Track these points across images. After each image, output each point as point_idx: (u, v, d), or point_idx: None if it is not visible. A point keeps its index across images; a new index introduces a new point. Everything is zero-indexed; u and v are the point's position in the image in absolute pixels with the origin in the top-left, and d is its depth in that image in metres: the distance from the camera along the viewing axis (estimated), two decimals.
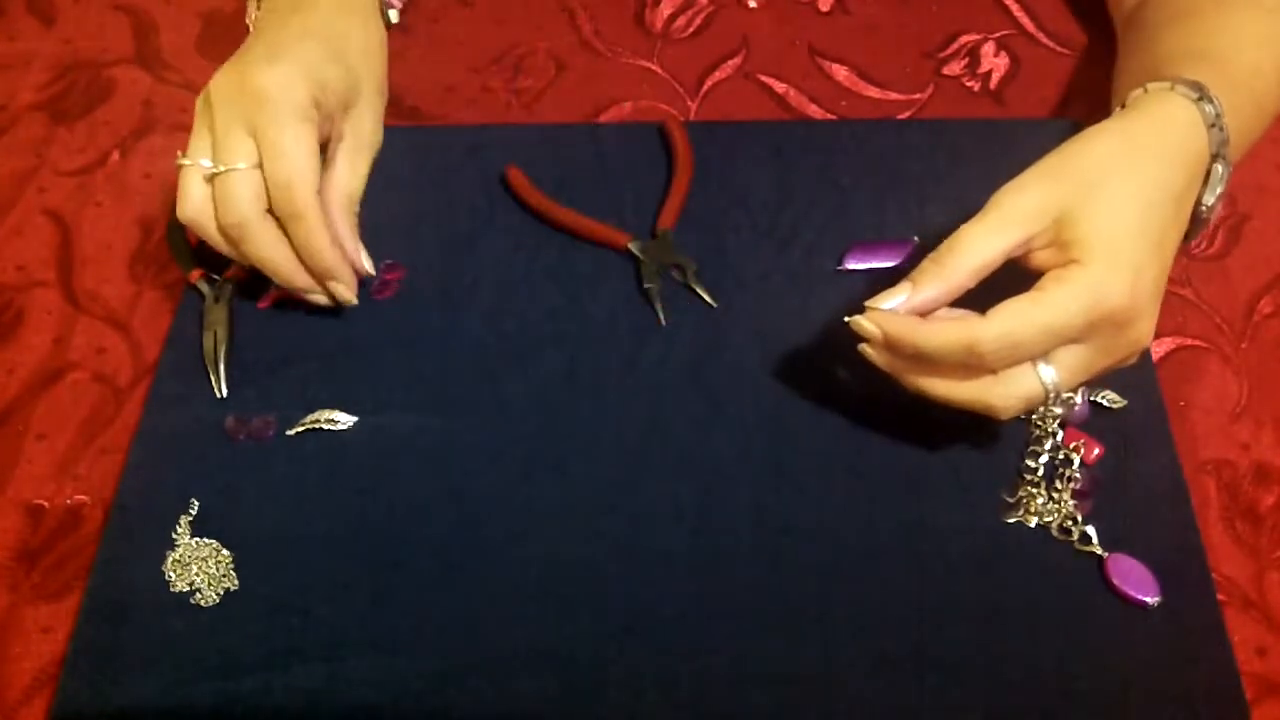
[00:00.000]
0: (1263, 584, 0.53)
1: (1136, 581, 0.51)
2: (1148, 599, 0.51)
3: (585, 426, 0.58)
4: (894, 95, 0.73)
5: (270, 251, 0.57)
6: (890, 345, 0.49)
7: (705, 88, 0.74)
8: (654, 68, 0.76)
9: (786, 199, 0.66)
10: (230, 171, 0.55)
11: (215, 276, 0.64)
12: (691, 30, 0.78)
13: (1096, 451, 0.55)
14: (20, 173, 0.72)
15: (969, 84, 0.74)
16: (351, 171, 0.60)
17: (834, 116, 0.72)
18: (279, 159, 0.55)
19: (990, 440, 0.55)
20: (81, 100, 0.76)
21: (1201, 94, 0.51)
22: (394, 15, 0.66)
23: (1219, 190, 0.52)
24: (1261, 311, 0.62)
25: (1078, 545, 0.53)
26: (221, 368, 0.60)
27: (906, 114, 0.72)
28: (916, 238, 0.64)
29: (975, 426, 0.52)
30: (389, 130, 0.65)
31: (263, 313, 0.63)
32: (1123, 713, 0.49)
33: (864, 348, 0.51)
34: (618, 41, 0.77)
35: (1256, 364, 0.60)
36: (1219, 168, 0.52)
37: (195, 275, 0.64)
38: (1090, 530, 0.53)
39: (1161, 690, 0.49)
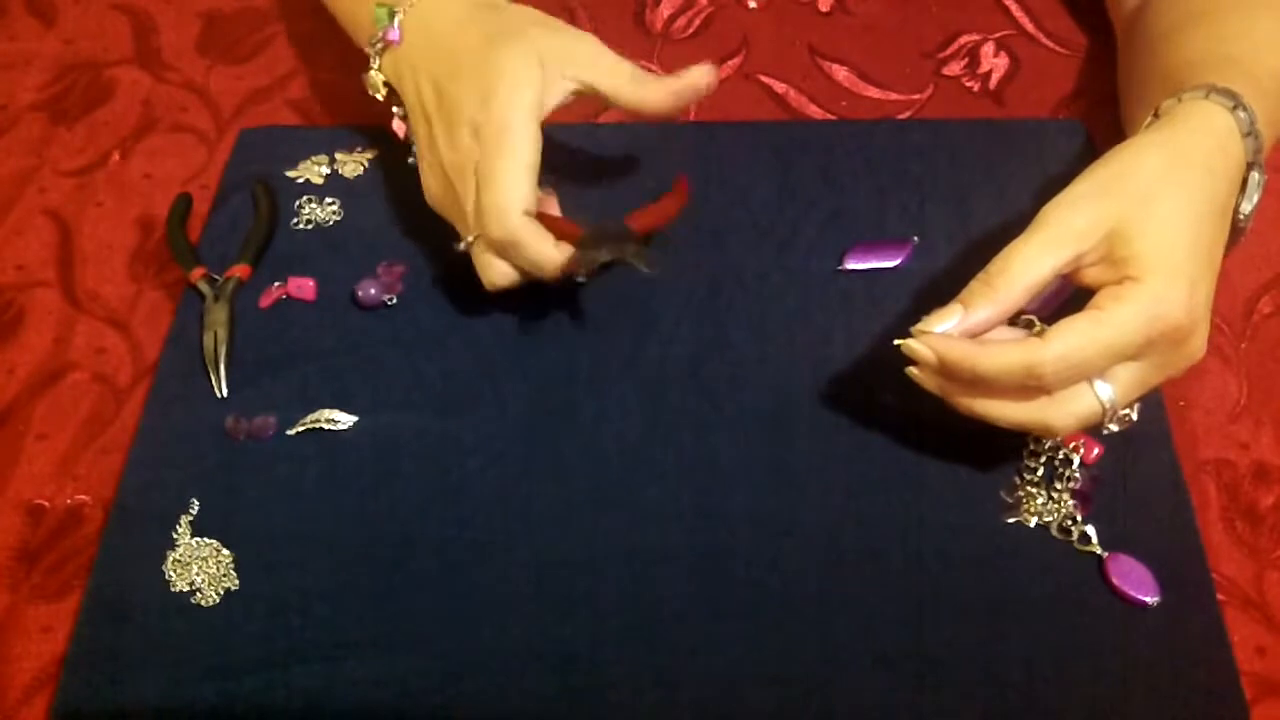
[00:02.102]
0: (1262, 584, 0.53)
1: (1136, 581, 0.51)
2: (1148, 599, 0.51)
3: (585, 426, 0.58)
4: (894, 95, 0.73)
5: (545, 250, 0.56)
6: (945, 369, 0.49)
7: None
8: (654, 68, 0.76)
9: (786, 199, 0.66)
10: (479, 240, 0.57)
11: (215, 276, 0.64)
12: (691, 30, 0.78)
13: (1096, 451, 0.55)
14: (20, 173, 0.72)
15: (969, 84, 0.74)
16: (609, 62, 0.59)
17: (834, 116, 0.72)
18: (487, 194, 0.55)
19: (990, 440, 0.55)
20: (81, 100, 0.76)
21: (1236, 102, 0.51)
22: None
23: (1255, 198, 0.52)
24: (1261, 311, 0.62)
25: (1077, 545, 0.53)
26: (221, 368, 0.60)
27: (906, 114, 0.72)
28: (916, 238, 0.64)
29: (975, 427, 0.52)
30: (389, 128, 0.65)
31: (263, 313, 0.63)
32: (1123, 713, 0.49)
33: (912, 371, 0.50)
34: (618, 41, 0.77)
35: (1256, 364, 0.60)
36: (1255, 175, 0.52)
37: (195, 275, 0.64)
38: (1090, 530, 0.53)
39: (1161, 690, 0.49)
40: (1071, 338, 0.47)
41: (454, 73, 0.57)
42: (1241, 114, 0.51)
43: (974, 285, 0.49)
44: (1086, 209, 0.49)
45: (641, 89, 0.58)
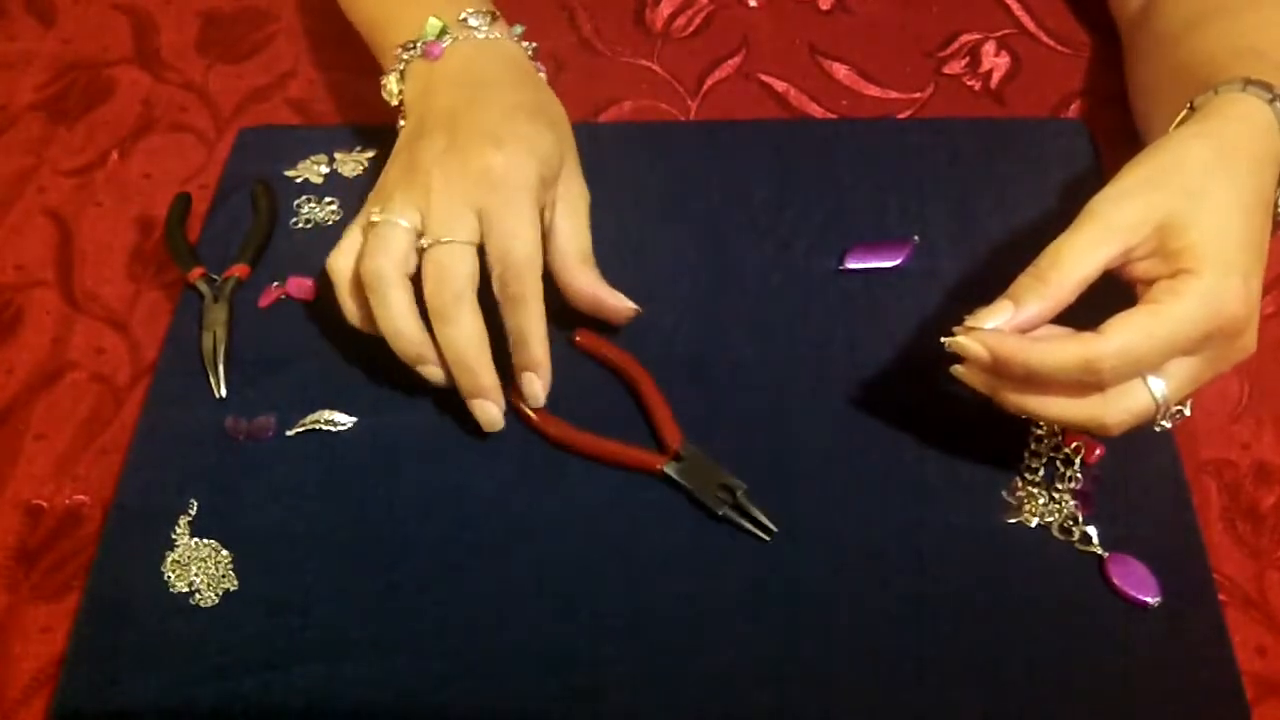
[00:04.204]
0: (1263, 584, 0.53)
1: (1137, 581, 0.51)
2: (1148, 599, 0.51)
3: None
4: (894, 94, 0.73)
5: (472, 338, 0.53)
6: (998, 366, 0.48)
7: (705, 87, 0.74)
8: (654, 68, 0.76)
9: (786, 199, 0.66)
10: (452, 244, 0.53)
11: (215, 276, 0.64)
12: (691, 30, 0.78)
13: (1097, 451, 0.55)
14: (20, 173, 0.72)
15: (969, 83, 0.74)
16: (576, 230, 0.58)
17: (834, 116, 0.72)
18: (513, 240, 0.53)
19: (990, 440, 0.55)
20: (81, 100, 0.76)
21: (1274, 94, 0.51)
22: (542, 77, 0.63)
23: None
24: (1263, 312, 0.62)
25: (1078, 545, 0.53)
26: (221, 368, 0.60)
27: (907, 113, 0.72)
28: (917, 237, 0.64)
29: (976, 427, 0.52)
30: (388, 128, 0.65)
31: (263, 313, 0.63)
32: (1123, 713, 0.49)
33: (958, 369, 0.50)
34: (618, 41, 0.77)
35: (1257, 364, 0.60)
36: None
37: (195, 275, 0.64)
38: (1091, 530, 0.53)
39: (1161, 690, 0.49)
40: (1130, 332, 0.46)
41: (473, 106, 0.56)
42: (1279, 106, 0.51)
43: (1024, 280, 0.48)
44: (1136, 201, 0.48)
45: (574, 271, 0.57)
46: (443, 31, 0.60)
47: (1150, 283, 0.48)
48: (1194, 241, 0.47)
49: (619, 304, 0.58)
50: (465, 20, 0.60)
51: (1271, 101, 0.51)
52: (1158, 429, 0.49)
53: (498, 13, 0.62)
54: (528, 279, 0.53)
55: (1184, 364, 0.48)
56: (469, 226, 0.53)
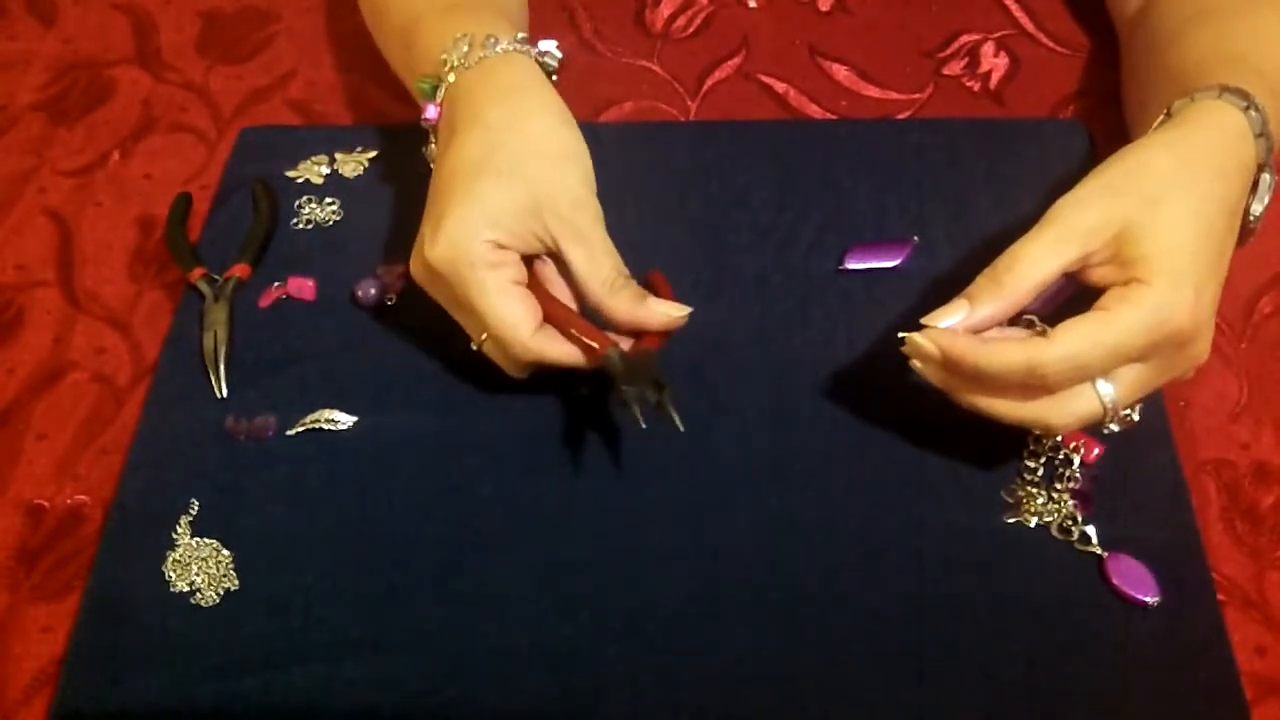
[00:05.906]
0: (1262, 584, 0.53)
1: (1136, 581, 0.51)
2: (1148, 599, 0.51)
3: (585, 426, 0.58)
4: (894, 95, 0.73)
5: (572, 354, 0.53)
6: (948, 365, 0.49)
7: (705, 88, 0.74)
8: (654, 68, 0.76)
9: (786, 199, 0.66)
10: (480, 347, 0.55)
11: (215, 276, 0.64)
12: (691, 30, 0.78)
13: (1096, 451, 0.55)
14: (20, 173, 0.72)
15: (969, 84, 0.74)
16: (589, 256, 0.54)
17: (834, 116, 0.72)
18: (489, 325, 0.53)
19: (990, 440, 0.55)
20: (81, 100, 0.76)
21: (1249, 102, 0.51)
22: (554, 58, 0.59)
23: (1267, 200, 0.52)
24: (1261, 311, 0.62)
25: (1078, 545, 0.53)
26: (221, 368, 0.60)
27: (906, 114, 0.72)
28: (916, 237, 0.64)
29: (975, 427, 0.52)
30: (388, 128, 0.65)
31: (263, 313, 0.63)
32: (1123, 713, 0.49)
33: (916, 364, 0.50)
34: (618, 41, 0.78)
35: (1256, 364, 0.60)
36: (1267, 176, 0.52)
37: (196, 275, 0.64)
38: (1090, 530, 0.53)
39: (1161, 690, 0.49)
40: (1075, 339, 0.46)
41: (437, 172, 0.55)
42: (1254, 114, 0.51)
43: (981, 281, 0.49)
44: (1096, 208, 0.48)
45: (613, 297, 0.54)
46: (433, 89, 0.57)
47: (1106, 288, 0.48)
48: (1147, 251, 0.47)
49: (665, 315, 0.54)
50: (445, 60, 0.56)
51: (1247, 109, 0.51)
52: (1106, 432, 0.50)
53: (496, 26, 0.58)
54: (517, 352, 0.53)
55: (1133, 370, 0.48)
56: (473, 321, 0.54)
